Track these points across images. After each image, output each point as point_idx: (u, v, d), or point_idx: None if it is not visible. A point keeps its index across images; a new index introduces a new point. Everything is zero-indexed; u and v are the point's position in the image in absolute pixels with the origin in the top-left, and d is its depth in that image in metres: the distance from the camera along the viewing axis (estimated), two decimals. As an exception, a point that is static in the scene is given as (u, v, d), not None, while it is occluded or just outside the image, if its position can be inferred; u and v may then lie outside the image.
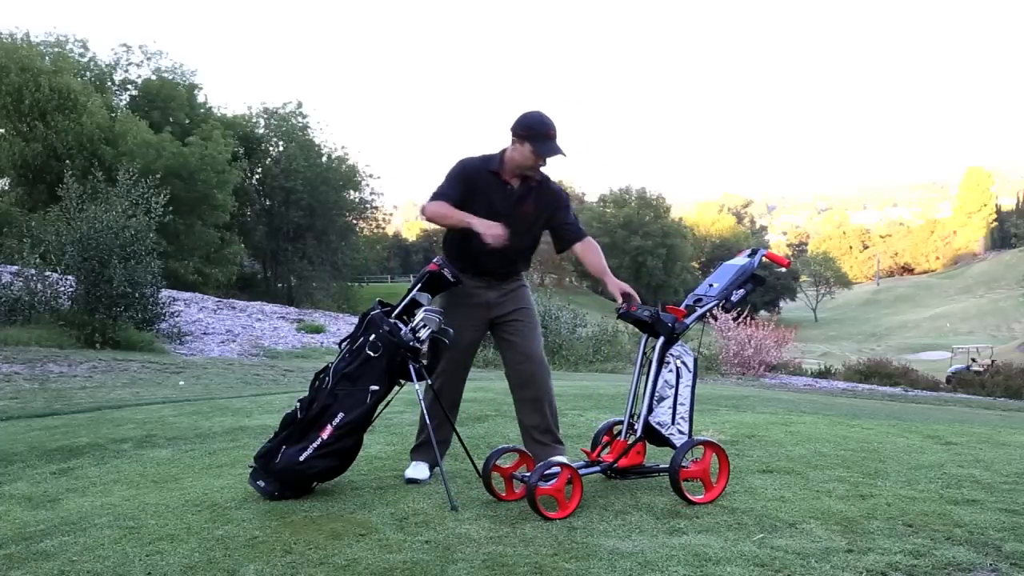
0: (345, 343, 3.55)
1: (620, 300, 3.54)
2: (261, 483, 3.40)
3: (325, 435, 3.35)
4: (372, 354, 3.41)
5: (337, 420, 3.36)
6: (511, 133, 3.57)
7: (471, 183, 3.58)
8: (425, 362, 3.59)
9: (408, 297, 3.58)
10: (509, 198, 3.62)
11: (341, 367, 3.45)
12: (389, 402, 3.60)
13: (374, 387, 3.41)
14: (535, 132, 3.51)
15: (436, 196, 3.56)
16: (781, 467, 3.88)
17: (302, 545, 2.79)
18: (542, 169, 3.64)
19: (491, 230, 3.42)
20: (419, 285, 3.59)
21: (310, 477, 3.40)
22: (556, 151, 3.54)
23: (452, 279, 3.59)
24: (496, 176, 3.61)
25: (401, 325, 3.49)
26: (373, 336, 3.43)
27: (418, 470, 3.67)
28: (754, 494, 3.36)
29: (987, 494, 3.40)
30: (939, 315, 72.25)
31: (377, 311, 3.53)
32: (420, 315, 3.50)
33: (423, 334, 3.48)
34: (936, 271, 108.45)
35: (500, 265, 3.67)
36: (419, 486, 3.56)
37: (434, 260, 3.62)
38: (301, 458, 3.33)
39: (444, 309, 3.65)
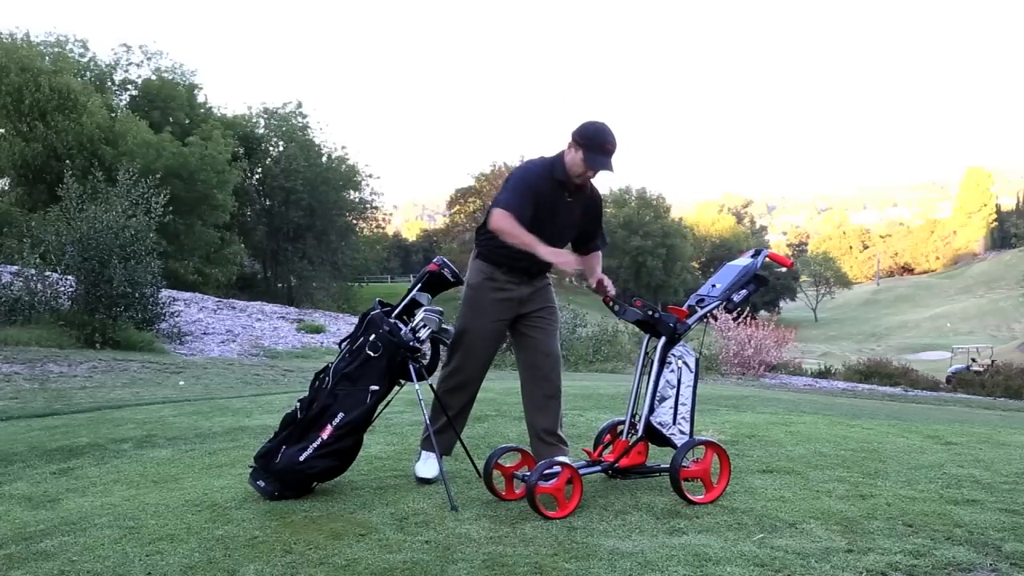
0: (345, 343, 3.55)
1: (593, 284, 3.64)
2: (261, 483, 3.40)
3: (325, 435, 3.35)
4: (372, 354, 3.41)
5: (337, 420, 3.36)
6: (570, 136, 3.51)
7: (538, 195, 3.50)
8: (425, 362, 3.59)
9: (408, 297, 3.58)
10: (569, 209, 3.57)
11: (341, 367, 3.45)
12: (389, 402, 3.60)
13: (374, 387, 3.41)
14: (592, 143, 3.45)
15: (507, 207, 3.42)
16: (781, 467, 3.88)
17: (302, 545, 2.79)
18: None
19: (560, 258, 3.37)
20: (419, 285, 3.58)
21: (310, 477, 3.40)
22: (606, 166, 3.48)
23: (452, 279, 3.58)
24: (560, 185, 3.54)
25: (401, 325, 3.49)
26: (373, 336, 3.43)
27: (428, 466, 3.64)
28: (754, 494, 3.36)
29: (987, 494, 3.40)
30: (939, 315, 72.22)
31: (377, 311, 3.53)
32: (420, 315, 3.50)
33: (423, 334, 3.48)
34: (936, 271, 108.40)
35: (536, 265, 3.64)
36: (419, 486, 3.56)
37: (434, 260, 3.61)
38: (301, 458, 3.33)
39: (474, 302, 3.63)
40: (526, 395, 3.73)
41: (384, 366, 3.42)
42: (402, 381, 3.54)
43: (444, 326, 3.54)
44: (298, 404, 3.49)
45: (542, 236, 3.44)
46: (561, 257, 3.38)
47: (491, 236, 3.60)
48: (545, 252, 3.34)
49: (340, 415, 3.36)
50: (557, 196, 3.54)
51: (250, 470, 3.49)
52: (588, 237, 3.77)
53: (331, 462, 3.39)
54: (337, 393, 3.39)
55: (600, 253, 3.85)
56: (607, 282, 3.62)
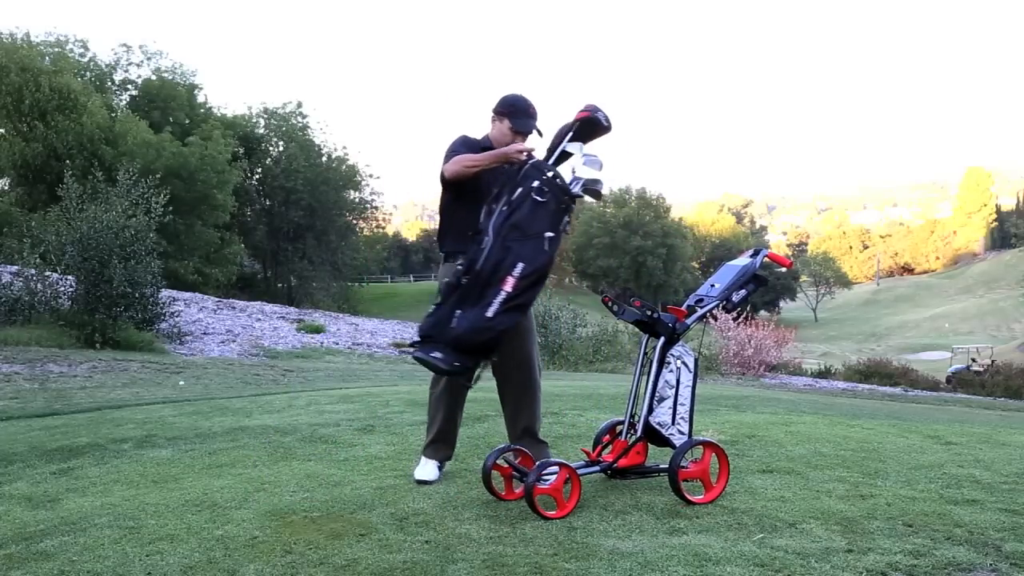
0: (498, 203, 3.27)
1: None
2: (437, 354, 3.14)
3: (509, 287, 3.14)
4: (540, 199, 3.21)
5: (518, 270, 3.15)
6: (492, 113, 3.62)
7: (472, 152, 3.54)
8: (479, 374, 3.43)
9: (559, 149, 3.37)
10: (506, 172, 3.47)
11: (499, 222, 3.21)
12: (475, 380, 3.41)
13: (549, 233, 3.21)
14: (515, 109, 3.56)
15: (450, 158, 3.51)
16: (781, 467, 3.88)
17: (302, 545, 2.79)
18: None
19: (516, 144, 3.38)
20: (569, 135, 3.36)
21: (498, 334, 3.18)
22: (531, 127, 3.54)
23: (606, 124, 3.36)
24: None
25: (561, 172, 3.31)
26: (537, 183, 3.23)
27: (427, 470, 3.64)
28: (754, 494, 3.36)
29: (987, 494, 3.40)
30: (939, 315, 72.16)
31: (534, 159, 3.32)
32: (578, 161, 3.28)
33: (576, 188, 3.29)
34: (936, 271, 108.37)
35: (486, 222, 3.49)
36: (420, 486, 3.56)
37: (584, 107, 3.38)
38: (489, 314, 3.12)
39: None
40: (505, 398, 3.73)
41: (553, 211, 3.23)
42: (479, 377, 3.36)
43: (598, 176, 3.31)
44: (459, 268, 3.24)
45: (487, 194, 3.40)
46: (517, 147, 3.36)
47: (459, 226, 3.57)
48: (505, 149, 3.37)
49: (520, 265, 3.15)
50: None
51: (414, 348, 3.24)
52: None
53: (515, 316, 3.20)
54: (509, 245, 3.16)
55: None
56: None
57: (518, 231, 3.18)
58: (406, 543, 2.80)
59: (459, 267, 3.25)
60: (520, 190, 3.23)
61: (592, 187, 3.30)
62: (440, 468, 3.69)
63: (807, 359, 26.70)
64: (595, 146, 3.44)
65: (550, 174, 3.26)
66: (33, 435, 5.44)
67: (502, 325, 3.15)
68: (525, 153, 3.31)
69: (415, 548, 2.74)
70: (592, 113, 3.35)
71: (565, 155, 3.37)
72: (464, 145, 3.59)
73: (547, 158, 3.39)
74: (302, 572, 2.56)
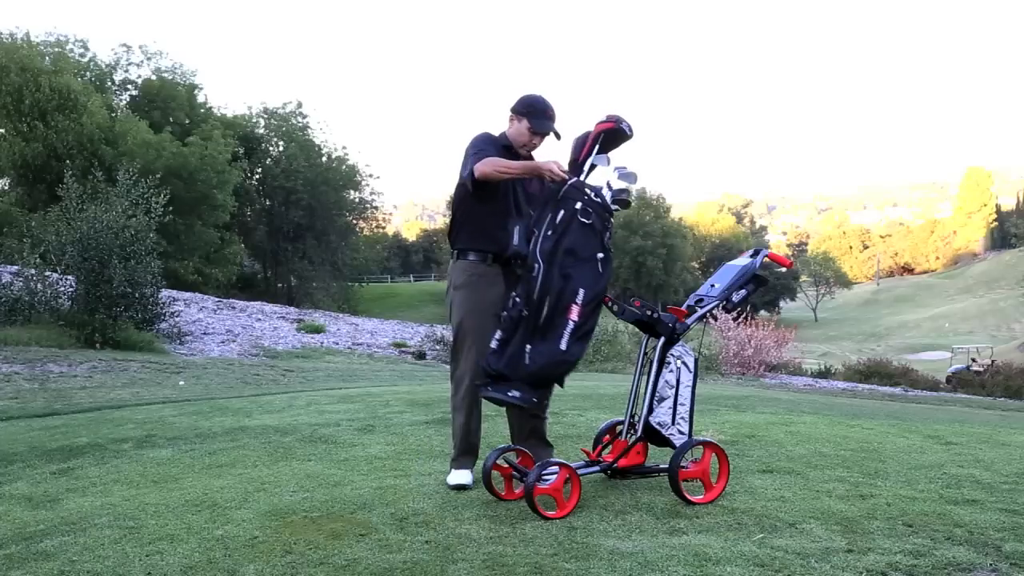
0: (543, 224, 3.22)
1: None
2: (515, 393, 3.13)
3: (575, 316, 3.14)
4: (586, 221, 3.19)
5: (581, 297, 3.14)
6: (511, 112, 3.60)
7: (497, 153, 3.51)
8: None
9: (588, 164, 3.35)
10: (545, 188, 3.47)
11: (547, 247, 3.16)
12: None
13: (600, 254, 3.21)
14: (534, 109, 3.54)
15: (480, 157, 3.42)
16: (781, 467, 3.88)
17: (302, 545, 2.79)
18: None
19: (552, 163, 3.31)
20: (595, 148, 3.33)
21: (571, 366, 3.20)
22: (549, 128, 3.54)
23: (630, 132, 3.35)
24: (508, 151, 3.56)
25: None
26: (580, 204, 3.21)
27: (462, 475, 3.54)
28: (754, 494, 3.36)
29: (987, 494, 3.40)
30: (939, 315, 72.14)
31: (574, 179, 3.29)
32: (612, 174, 3.26)
33: (608, 199, 3.28)
34: (936, 271, 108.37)
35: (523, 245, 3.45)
36: (420, 486, 3.56)
37: (607, 118, 3.36)
38: (563, 346, 3.13)
39: (470, 300, 3.51)
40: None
41: (599, 231, 3.22)
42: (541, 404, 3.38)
43: (629, 186, 3.33)
44: (517, 301, 3.20)
45: (507, 199, 3.46)
46: (552, 162, 3.30)
47: (472, 228, 3.56)
48: (537, 162, 3.36)
49: (582, 291, 3.14)
50: (509, 159, 3.52)
51: (486, 388, 3.24)
52: None
53: (584, 344, 3.21)
54: (568, 272, 3.14)
55: None
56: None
57: (572, 256, 3.16)
58: (406, 543, 2.79)
59: (516, 298, 3.21)
60: (563, 212, 3.20)
61: (620, 196, 3.31)
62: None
63: (807, 359, 26.70)
64: (616, 154, 3.45)
65: (591, 193, 3.24)
66: (33, 435, 5.44)
67: (576, 356, 3.19)
68: (560, 176, 3.27)
69: (415, 548, 2.74)
70: (617, 124, 3.35)
71: (592, 167, 3.36)
72: (490, 143, 3.56)
73: (576, 172, 3.34)
74: (302, 572, 2.56)
